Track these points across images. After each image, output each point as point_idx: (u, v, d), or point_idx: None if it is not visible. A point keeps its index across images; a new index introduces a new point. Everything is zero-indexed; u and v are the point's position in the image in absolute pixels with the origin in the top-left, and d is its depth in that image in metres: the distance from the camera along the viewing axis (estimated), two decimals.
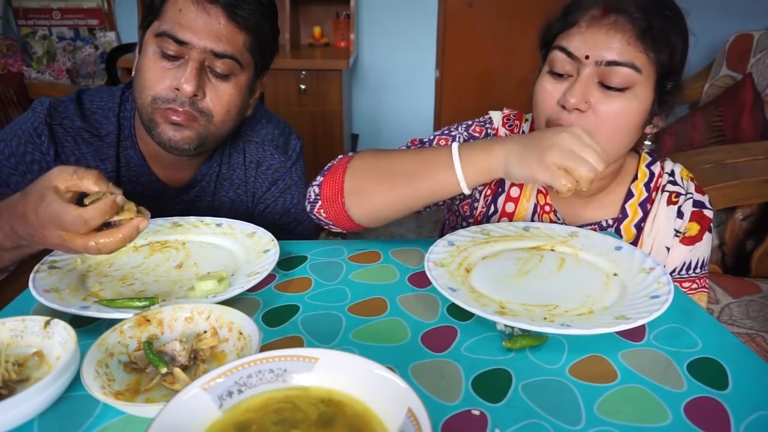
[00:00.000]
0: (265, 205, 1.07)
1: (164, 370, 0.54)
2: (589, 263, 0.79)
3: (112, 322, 0.60)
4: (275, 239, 0.81)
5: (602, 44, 0.76)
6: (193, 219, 0.89)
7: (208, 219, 0.89)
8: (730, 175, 1.69)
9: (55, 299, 0.66)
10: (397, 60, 3.55)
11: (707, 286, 0.93)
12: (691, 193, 0.92)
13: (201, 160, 1.01)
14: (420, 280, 0.76)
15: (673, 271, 0.92)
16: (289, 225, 1.08)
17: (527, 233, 0.86)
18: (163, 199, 1.01)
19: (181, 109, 0.86)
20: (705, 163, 1.78)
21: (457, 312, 0.68)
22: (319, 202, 0.82)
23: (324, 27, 3.27)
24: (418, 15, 3.45)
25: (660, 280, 0.70)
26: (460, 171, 0.72)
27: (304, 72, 2.73)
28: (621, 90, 0.77)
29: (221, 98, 0.88)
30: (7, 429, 0.49)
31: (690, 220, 0.91)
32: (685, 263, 0.92)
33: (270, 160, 1.05)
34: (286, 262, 0.81)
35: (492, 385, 0.56)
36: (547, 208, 0.94)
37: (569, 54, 0.78)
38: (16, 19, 3.27)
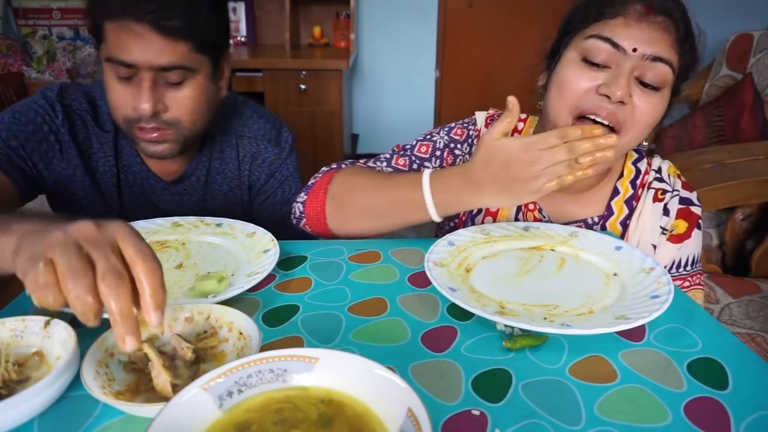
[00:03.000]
0: (266, 196, 1.11)
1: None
2: (589, 263, 0.79)
3: None
4: (275, 239, 0.81)
5: (649, 40, 0.76)
6: (192, 219, 0.89)
7: (208, 219, 0.89)
8: (730, 175, 1.69)
9: None
10: (397, 60, 3.55)
11: (702, 283, 0.92)
12: (677, 190, 0.91)
13: (191, 154, 1.04)
14: (420, 280, 0.76)
15: (677, 268, 0.91)
16: (290, 213, 1.12)
17: (527, 233, 0.86)
18: (154, 191, 1.04)
19: (149, 127, 0.90)
20: (705, 163, 1.78)
21: (457, 312, 0.68)
22: (304, 219, 0.88)
23: (324, 27, 3.28)
24: (418, 15, 3.45)
25: (660, 280, 0.70)
26: (436, 216, 0.78)
27: (304, 72, 2.73)
28: (656, 89, 0.78)
29: (183, 105, 0.90)
30: (7, 429, 0.49)
31: (677, 218, 0.90)
32: (674, 261, 0.91)
33: (265, 153, 1.09)
34: (286, 262, 0.81)
35: (492, 385, 0.56)
36: (531, 206, 0.94)
37: (614, 44, 0.77)
38: (16, 19, 3.27)
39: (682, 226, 0.90)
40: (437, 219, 0.78)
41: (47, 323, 0.58)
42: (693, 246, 0.91)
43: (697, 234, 0.91)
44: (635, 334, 0.64)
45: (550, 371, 0.58)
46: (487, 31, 3.49)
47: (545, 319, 0.64)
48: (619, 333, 0.64)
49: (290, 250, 0.85)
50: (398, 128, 3.67)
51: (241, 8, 3.18)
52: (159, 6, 0.82)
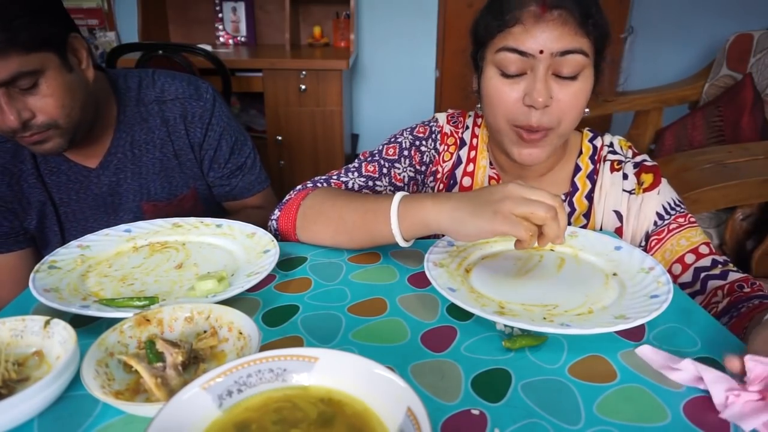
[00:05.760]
0: (213, 149, 1.14)
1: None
2: (589, 263, 0.79)
3: (112, 322, 0.60)
4: (275, 240, 0.81)
5: (552, 37, 0.78)
6: (193, 220, 0.89)
7: (208, 219, 0.89)
8: (730, 175, 1.69)
9: (55, 299, 0.66)
10: (397, 60, 3.54)
11: (694, 220, 0.92)
12: (629, 158, 0.96)
13: (107, 134, 1.04)
14: (420, 280, 0.76)
15: (661, 218, 0.91)
16: (239, 160, 1.17)
17: None
18: (88, 182, 1.05)
19: (27, 135, 0.89)
20: (705, 163, 1.78)
21: (457, 312, 0.68)
22: (279, 236, 0.90)
23: (324, 27, 3.27)
24: (418, 15, 3.45)
25: (659, 280, 0.70)
26: (398, 232, 0.75)
27: (304, 72, 2.73)
28: (574, 77, 0.80)
29: (48, 105, 0.88)
30: (7, 429, 0.49)
31: (638, 175, 0.93)
32: (663, 205, 0.92)
33: (192, 109, 1.11)
34: (286, 263, 0.82)
35: (492, 384, 0.56)
36: None
37: (521, 53, 0.79)
38: None
39: (648, 178, 0.93)
40: (401, 242, 0.76)
41: (47, 323, 0.58)
42: (668, 189, 0.93)
43: (664, 180, 0.94)
44: (635, 334, 0.64)
45: (549, 371, 0.58)
46: None
47: (545, 319, 0.64)
48: (619, 333, 0.64)
49: (290, 251, 0.85)
50: (398, 128, 3.65)
51: (241, 8, 3.17)
52: None
